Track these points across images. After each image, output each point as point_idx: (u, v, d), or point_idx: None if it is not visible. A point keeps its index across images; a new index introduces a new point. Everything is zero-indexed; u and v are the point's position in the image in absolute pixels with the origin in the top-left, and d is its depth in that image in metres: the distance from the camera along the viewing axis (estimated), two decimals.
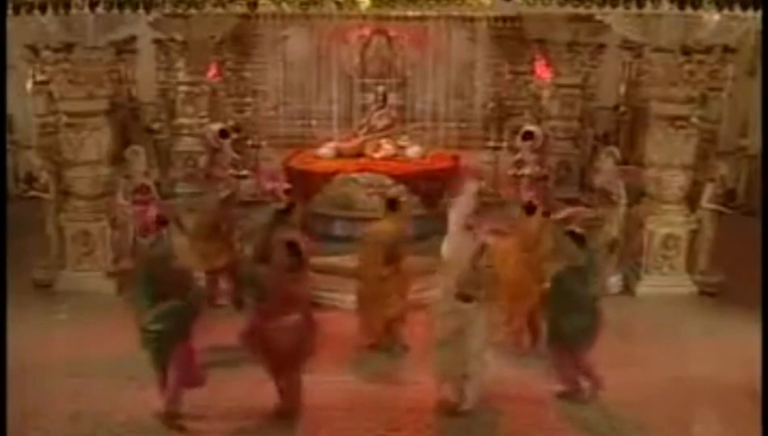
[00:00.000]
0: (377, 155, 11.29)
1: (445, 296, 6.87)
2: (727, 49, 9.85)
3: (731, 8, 8.43)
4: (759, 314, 7.98)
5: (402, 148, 11.53)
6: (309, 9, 10.21)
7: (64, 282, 9.90)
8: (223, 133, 12.13)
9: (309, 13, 10.96)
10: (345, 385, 7.44)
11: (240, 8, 9.88)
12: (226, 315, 8.32)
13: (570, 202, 11.40)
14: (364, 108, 12.52)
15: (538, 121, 13.13)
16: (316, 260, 9.69)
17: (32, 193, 10.37)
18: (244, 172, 12.16)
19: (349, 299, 8.46)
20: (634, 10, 8.70)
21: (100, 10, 8.60)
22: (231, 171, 12.04)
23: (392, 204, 8.17)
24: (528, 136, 11.62)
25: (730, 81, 13.19)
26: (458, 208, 8.57)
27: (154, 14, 9.51)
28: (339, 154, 11.42)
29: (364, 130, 11.77)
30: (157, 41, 13.65)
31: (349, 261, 8.73)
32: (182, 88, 13.32)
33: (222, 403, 7.02)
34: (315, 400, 6.96)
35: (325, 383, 7.18)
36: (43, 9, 8.57)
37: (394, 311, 7.92)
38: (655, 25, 9.28)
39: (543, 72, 13.63)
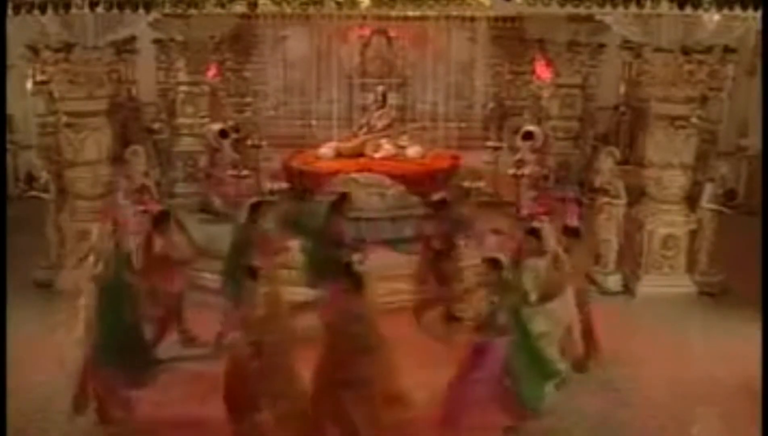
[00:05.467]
0: (377, 155, 11.28)
1: None
2: (727, 49, 9.85)
3: (731, 8, 8.43)
4: (759, 314, 8.00)
5: (402, 148, 11.52)
6: (309, 9, 10.21)
7: (64, 282, 9.89)
8: (223, 133, 12.12)
9: (309, 13, 10.95)
10: None
11: (240, 8, 9.89)
12: None
13: (570, 202, 11.38)
14: (364, 108, 12.50)
15: (538, 121, 13.12)
16: None
17: (32, 193, 10.34)
18: (244, 172, 12.14)
19: None
20: (634, 10, 8.72)
21: (100, 10, 8.61)
22: (231, 171, 12.04)
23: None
24: (528, 136, 11.62)
25: (730, 81, 13.21)
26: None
27: (154, 14, 9.52)
28: (339, 154, 11.41)
29: (364, 130, 11.75)
30: (157, 41, 13.65)
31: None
32: (182, 88, 13.29)
33: None
34: None
35: None
36: (43, 9, 8.56)
37: None
38: (655, 25, 9.29)
39: (543, 72, 13.63)
